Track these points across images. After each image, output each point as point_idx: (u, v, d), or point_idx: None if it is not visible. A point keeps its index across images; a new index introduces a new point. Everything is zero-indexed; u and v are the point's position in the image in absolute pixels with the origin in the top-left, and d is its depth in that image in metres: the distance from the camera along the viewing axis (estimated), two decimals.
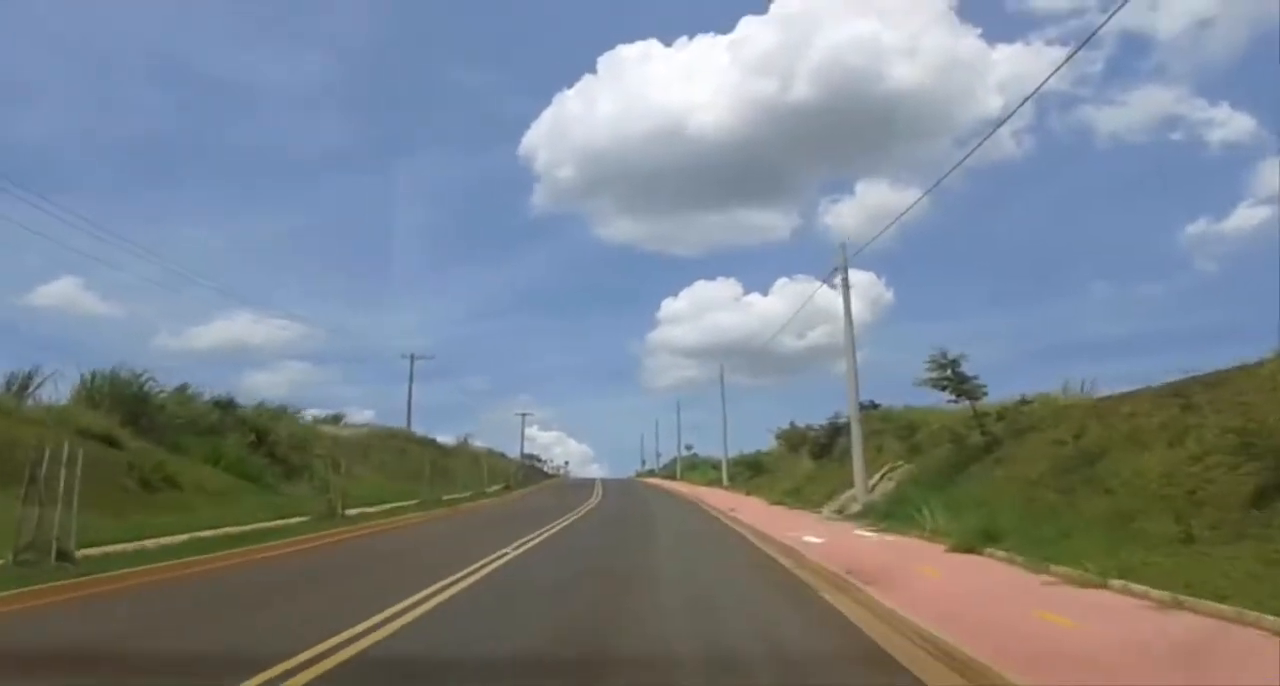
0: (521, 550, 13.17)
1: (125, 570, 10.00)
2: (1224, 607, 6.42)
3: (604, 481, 59.24)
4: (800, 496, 27.50)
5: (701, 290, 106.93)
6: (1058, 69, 18.12)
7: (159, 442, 21.51)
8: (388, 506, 25.82)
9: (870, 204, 70.40)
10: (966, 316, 77.61)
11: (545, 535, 16.21)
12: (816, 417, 37.46)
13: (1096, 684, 4.88)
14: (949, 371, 17.89)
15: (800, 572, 10.69)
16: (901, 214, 20.64)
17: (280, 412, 32.11)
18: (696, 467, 69.51)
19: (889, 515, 17.06)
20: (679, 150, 76.48)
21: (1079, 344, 62.34)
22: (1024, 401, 18.42)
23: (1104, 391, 16.95)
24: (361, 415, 52.05)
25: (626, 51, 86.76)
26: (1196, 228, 76.49)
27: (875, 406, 29.53)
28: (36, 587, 8.46)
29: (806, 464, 34.09)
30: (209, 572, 10.82)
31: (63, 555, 9.84)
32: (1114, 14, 11.71)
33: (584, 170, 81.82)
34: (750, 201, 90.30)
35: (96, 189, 69.17)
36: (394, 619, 6.96)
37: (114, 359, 23.43)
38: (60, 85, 69.42)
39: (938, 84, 70.86)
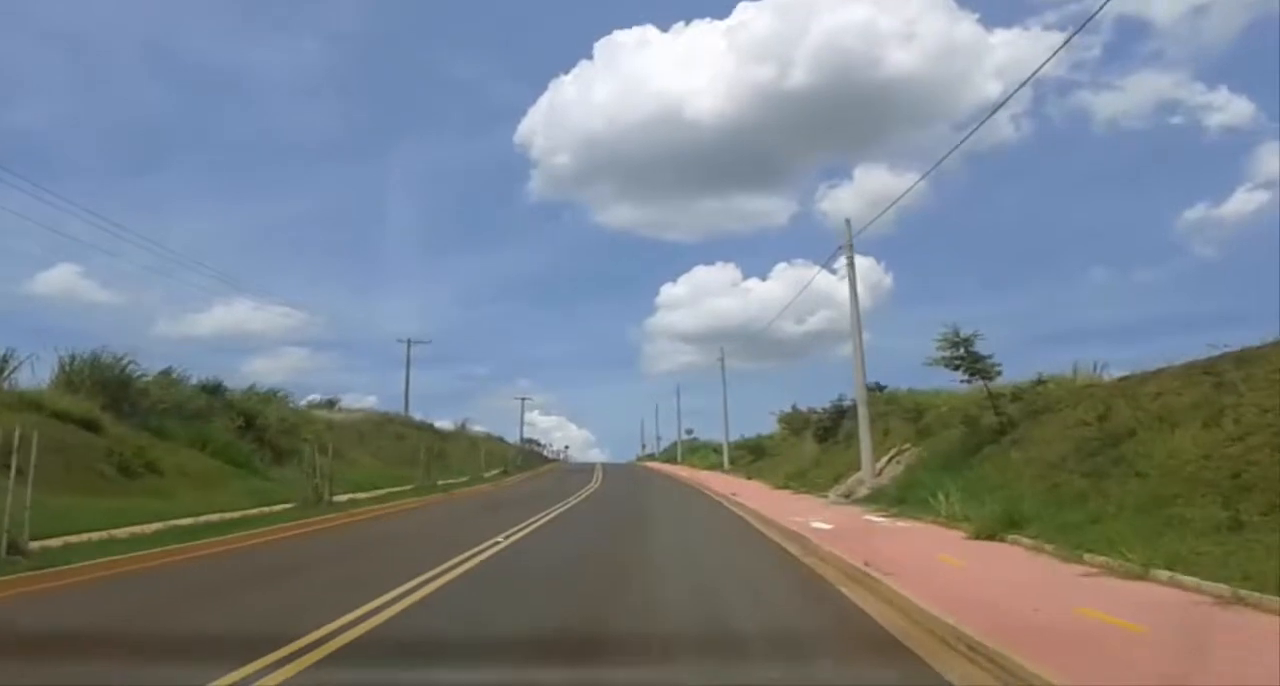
0: (511, 540, 12.41)
1: (84, 562, 9.30)
2: None
3: (604, 466, 58.75)
4: (805, 480, 26.80)
5: (700, 275, 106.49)
6: (1056, 52, 17.69)
7: (142, 427, 20.85)
8: (380, 492, 25.15)
9: (868, 190, 69.09)
10: (965, 301, 76.71)
11: (536, 524, 15.35)
12: (818, 401, 36.84)
13: None
14: (962, 350, 17.14)
15: (810, 561, 9.97)
16: (900, 196, 20.06)
17: (270, 396, 31.42)
18: (697, 451, 68.95)
19: (900, 500, 16.38)
20: (676, 136, 75.34)
21: (1077, 329, 61.62)
22: (1040, 381, 17.68)
23: (1118, 373, 16.26)
24: (364, 401, 51.62)
25: (623, 37, 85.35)
26: (1195, 212, 75.77)
27: (881, 388, 28.79)
28: None
29: (810, 447, 33.43)
30: (172, 565, 10.10)
31: (13, 547, 9.12)
32: None
33: (581, 156, 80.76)
34: (748, 187, 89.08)
35: (91, 175, 68.20)
36: (359, 621, 6.22)
37: (115, 346, 22.67)
38: (53, 73, 68.28)
39: (935, 69, 69.51)
